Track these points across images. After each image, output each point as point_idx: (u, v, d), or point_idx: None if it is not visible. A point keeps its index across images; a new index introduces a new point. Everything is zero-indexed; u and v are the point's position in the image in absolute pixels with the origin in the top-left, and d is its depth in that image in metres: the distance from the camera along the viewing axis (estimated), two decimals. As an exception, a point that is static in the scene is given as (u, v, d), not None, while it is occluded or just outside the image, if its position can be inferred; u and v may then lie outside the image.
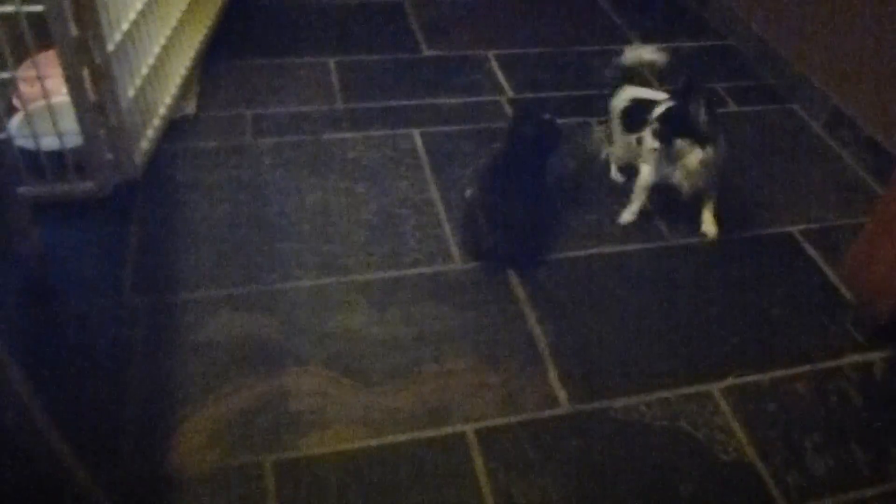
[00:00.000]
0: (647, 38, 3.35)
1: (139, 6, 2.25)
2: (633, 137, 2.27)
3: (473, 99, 2.84)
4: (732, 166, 2.60)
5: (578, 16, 3.52)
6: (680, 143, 2.15)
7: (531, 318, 2.02)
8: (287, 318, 1.96)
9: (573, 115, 2.78)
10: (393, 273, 2.12)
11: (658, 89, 2.46)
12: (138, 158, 2.31)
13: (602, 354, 1.94)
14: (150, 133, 2.40)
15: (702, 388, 1.87)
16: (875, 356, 1.99)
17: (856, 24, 2.70)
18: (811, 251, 2.30)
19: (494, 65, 3.06)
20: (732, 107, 2.95)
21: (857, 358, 1.98)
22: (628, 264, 2.21)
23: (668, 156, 2.20)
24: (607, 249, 2.25)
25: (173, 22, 2.55)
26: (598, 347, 1.96)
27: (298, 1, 3.38)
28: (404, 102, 2.80)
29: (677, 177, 2.23)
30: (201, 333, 1.90)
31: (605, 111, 2.52)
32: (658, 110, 2.18)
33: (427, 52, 3.11)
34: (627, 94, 2.44)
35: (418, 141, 2.61)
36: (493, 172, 2.21)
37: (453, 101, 2.82)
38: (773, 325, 2.06)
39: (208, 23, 2.94)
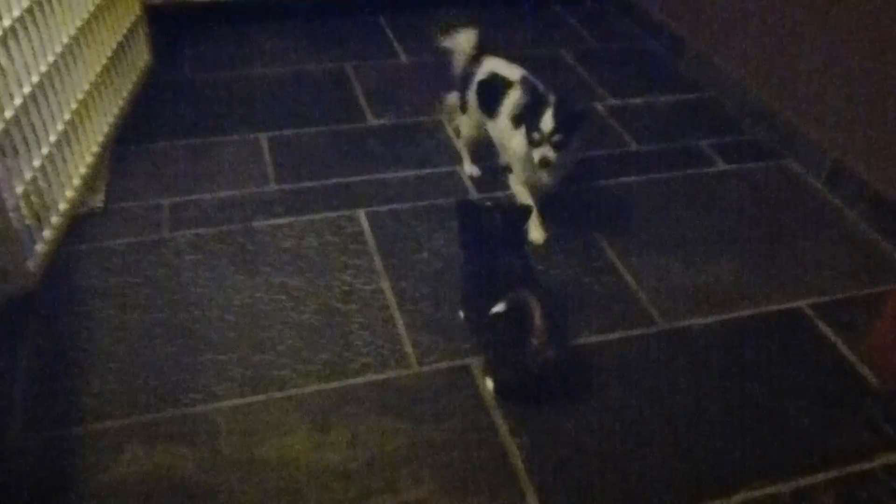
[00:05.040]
0: (617, 93, 3.29)
1: (27, 89, 2.12)
2: (499, 124, 2.43)
3: (427, 171, 2.74)
4: (726, 234, 2.51)
5: (543, 72, 3.46)
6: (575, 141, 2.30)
7: (503, 428, 1.86)
8: (210, 448, 1.79)
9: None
10: (337, 384, 1.96)
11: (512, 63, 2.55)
12: (33, 264, 2.15)
13: (589, 470, 1.78)
14: (48, 234, 2.24)
15: (710, 506, 1.71)
16: (911, 453, 1.85)
17: (854, 63, 2.64)
18: (825, 329, 2.18)
19: (448, 132, 2.96)
20: (720, 165, 2.87)
21: (891, 457, 1.83)
22: (611, 356, 2.07)
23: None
24: (588, 339, 2.11)
25: (74, 104, 2.42)
26: (584, 461, 1.80)
27: (225, 74, 3.30)
28: (348, 179, 2.69)
29: (544, 177, 2.37)
30: (107, 473, 1.72)
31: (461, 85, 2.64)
32: (545, 119, 2.23)
33: (373, 122, 3.02)
34: (487, 66, 2.53)
35: (365, 223, 2.49)
36: (495, 277, 1.97)
37: (404, 174, 2.71)
38: (787, 423, 1.91)
39: (119, 103, 2.83)
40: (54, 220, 2.29)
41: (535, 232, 2.44)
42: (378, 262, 2.34)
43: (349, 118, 3.04)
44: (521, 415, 1.90)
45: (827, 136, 2.79)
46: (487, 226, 2.03)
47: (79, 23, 2.46)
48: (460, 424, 1.87)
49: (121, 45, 2.84)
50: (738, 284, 2.32)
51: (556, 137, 2.24)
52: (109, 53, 2.72)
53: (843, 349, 2.11)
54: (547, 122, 2.22)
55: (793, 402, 1.96)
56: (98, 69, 2.61)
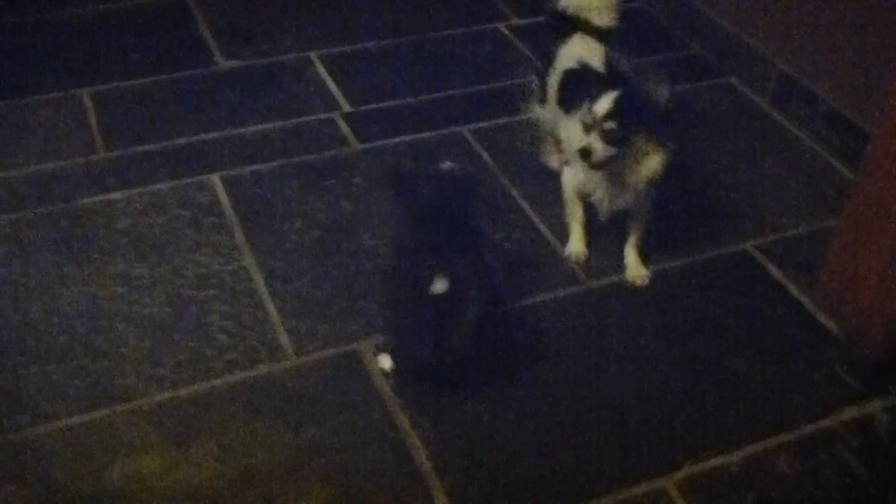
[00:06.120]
0: (521, 11, 3.35)
1: None
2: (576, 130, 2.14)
3: (295, 121, 2.78)
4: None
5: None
6: (638, 142, 2.04)
7: (404, 421, 1.92)
8: (43, 481, 1.79)
9: (439, 127, 2.75)
10: (196, 388, 1.98)
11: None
12: None
13: (507, 461, 1.85)
14: None
15: (650, 486, 1.80)
16: (875, 405, 1.97)
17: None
18: (775, 273, 2.30)
19: (321, 70, 3.00)
20: (650, 88, 2.96)
21: (852, 412, 1.96)
22: (530, 323, 2.15)
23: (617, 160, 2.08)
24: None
25: None
26: (501, 452, 1.87)
27: (32, 17, 3.25)
28: (196, 138, 2.70)
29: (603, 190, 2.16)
30: None
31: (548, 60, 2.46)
32: (602, 101, 2.01)
33: (224, 64, 3.03)
34: (576, 50, 2.32)
35: (220, 190, 2.51)
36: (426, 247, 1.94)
37: (267, 127, 2.74)
38: (735, 383, 2.02)
39: None
40: None
41: (575, 244, 2.34)
42: (240, 237, 2.36)
43: (193, 62, 3.04)
44: (424, 402, 1.96)
45: (773, 46, 2.90)
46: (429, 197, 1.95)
47: None
48: (351, 422, 1.92)
49: None
50: (675, 225, 2.42)
51: (609, 125, 2.00)
52: None
53: (797, 293, 2.24)
54: (603, 103, 2.00)
55: (740, 359, 2.07)
56: None
